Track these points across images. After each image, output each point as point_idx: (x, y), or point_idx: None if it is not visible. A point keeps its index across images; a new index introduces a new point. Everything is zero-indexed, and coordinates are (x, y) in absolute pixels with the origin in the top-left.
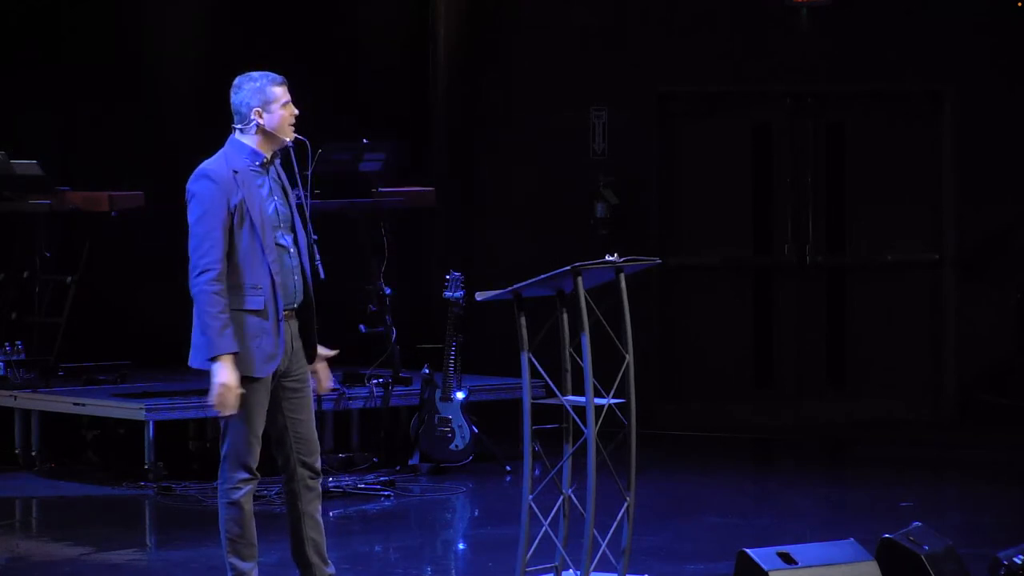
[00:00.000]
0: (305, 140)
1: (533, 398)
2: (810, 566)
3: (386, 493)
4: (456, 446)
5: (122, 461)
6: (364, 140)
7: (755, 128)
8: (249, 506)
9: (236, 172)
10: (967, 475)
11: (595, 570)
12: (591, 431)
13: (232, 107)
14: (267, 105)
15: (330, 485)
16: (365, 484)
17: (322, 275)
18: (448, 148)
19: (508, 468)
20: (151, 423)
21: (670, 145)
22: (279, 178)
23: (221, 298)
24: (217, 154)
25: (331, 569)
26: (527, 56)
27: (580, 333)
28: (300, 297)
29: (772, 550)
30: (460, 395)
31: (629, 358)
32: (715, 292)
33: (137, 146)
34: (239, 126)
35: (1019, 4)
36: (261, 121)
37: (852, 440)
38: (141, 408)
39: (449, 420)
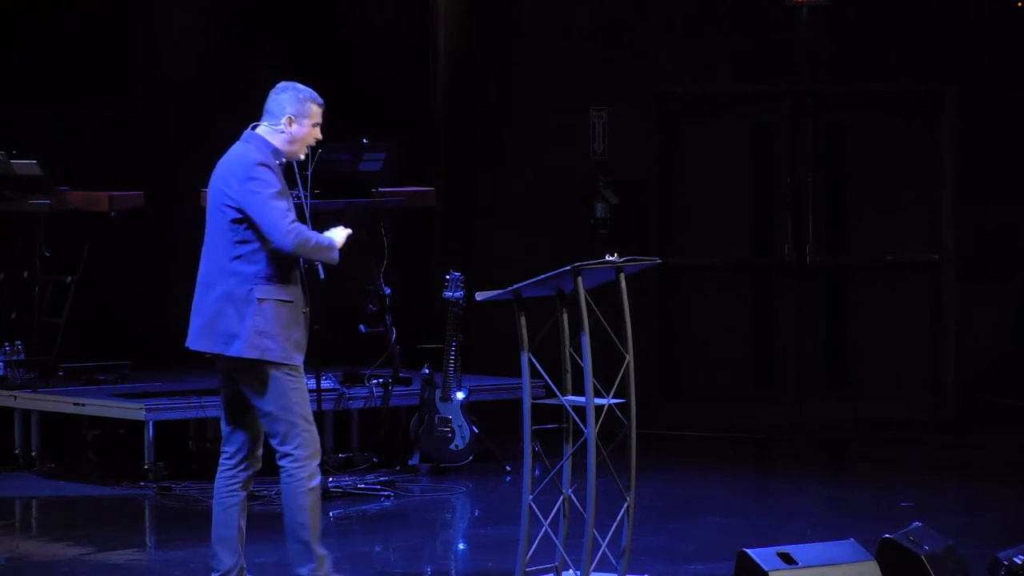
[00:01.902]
0: None
1: (533, 398)
2: (810, 566)
3: (386, 493)
4: (456, 446)
5: (122, 461)
6: (364, 140)
7: (755, 128)
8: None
9: (278, 164)
10: (967, 475)
11: (595, 570)
12: (591, 431)
13: (266, 104)
14: (300, 118)
15: (330, 485)
16: (365, 484)
17: (321, 275)
18: (448, 148)
19: (508, 468)
20: (151, 423)
21: (670, 145)
22: None
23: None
24: (252, 146)
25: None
26: (527, 56)
27: (580, 333)
28: None
29: (772, 550)
30: (460, 395)
31: (629, 358)
32: (715, 292)
33: (137, 146)
34: (266, 122)
35: (1019, 5)
36: (290, 129)
37: (852, 440)
38: (141, 408)
39: (449, 420)
